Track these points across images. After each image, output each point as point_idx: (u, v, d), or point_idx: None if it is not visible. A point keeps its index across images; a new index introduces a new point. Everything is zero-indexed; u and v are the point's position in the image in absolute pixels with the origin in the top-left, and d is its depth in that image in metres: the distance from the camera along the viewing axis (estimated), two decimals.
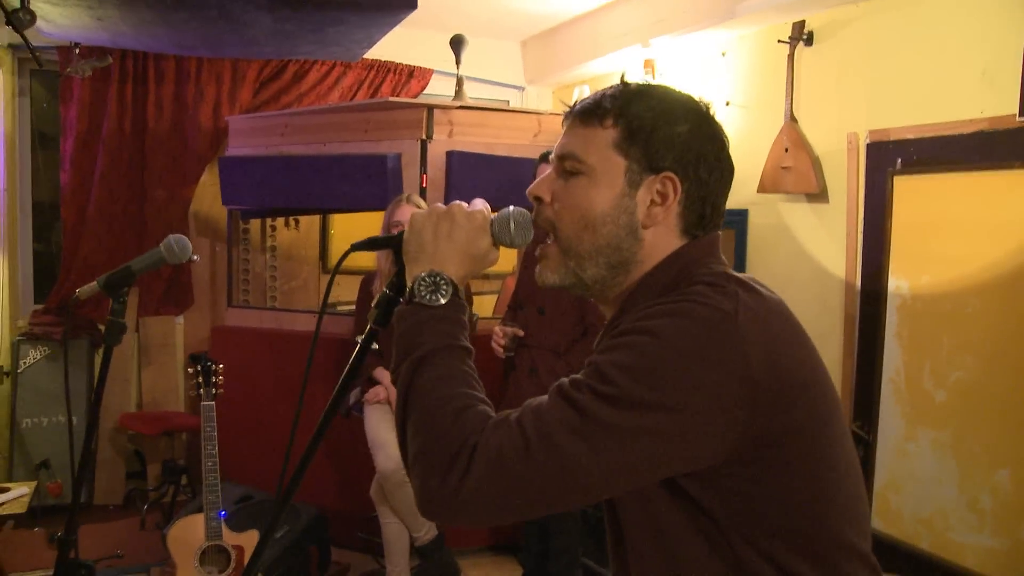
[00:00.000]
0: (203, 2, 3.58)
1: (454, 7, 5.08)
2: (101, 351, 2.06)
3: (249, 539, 3.19)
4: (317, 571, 3.80)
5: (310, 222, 5.66)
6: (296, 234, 5.62)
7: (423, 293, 1.16)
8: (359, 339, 1.28)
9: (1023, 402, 2.91)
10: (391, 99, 4.82)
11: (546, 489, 1.02)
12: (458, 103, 4.50)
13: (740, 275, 1.15)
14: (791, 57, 3.85)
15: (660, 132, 1.16)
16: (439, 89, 5.61)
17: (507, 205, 1.24)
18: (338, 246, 5.74)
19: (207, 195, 5.30)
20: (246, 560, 3.11)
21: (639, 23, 4.62)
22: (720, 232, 1.23)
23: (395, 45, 5.20)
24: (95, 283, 2.02)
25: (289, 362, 4.45)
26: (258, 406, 4.51)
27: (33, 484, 3.47)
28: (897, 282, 3.38)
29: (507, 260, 4.52)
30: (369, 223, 4.36)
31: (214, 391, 3.23)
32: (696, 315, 1.05)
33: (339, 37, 4.25)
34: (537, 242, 1.26)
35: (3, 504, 3.21)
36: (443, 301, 1.16)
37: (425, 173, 4.26)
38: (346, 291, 4.38)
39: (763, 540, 1.08)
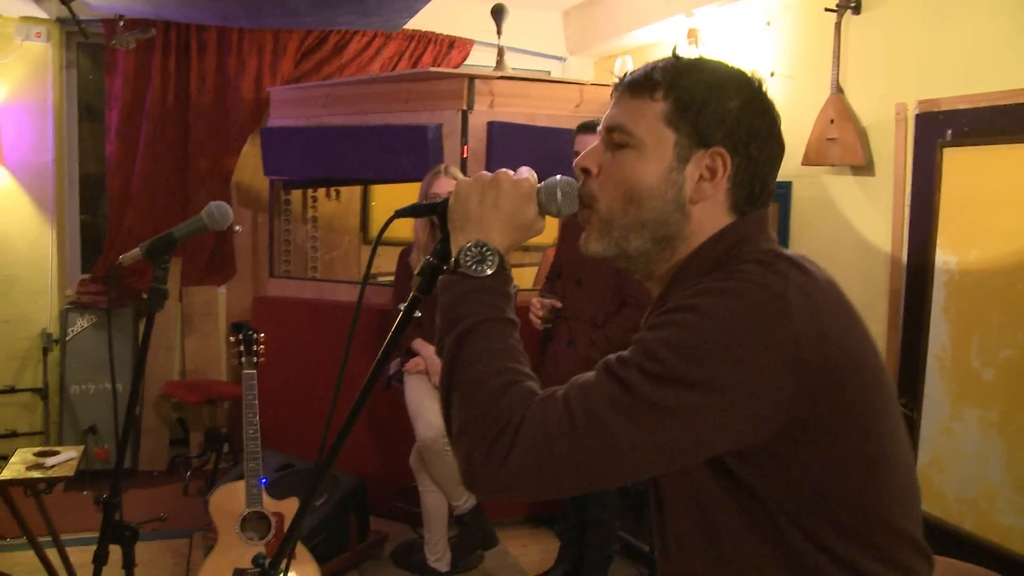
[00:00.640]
0: None
1: None
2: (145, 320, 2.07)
3: (289, 506, 3.23)
4: (356, 539, 3.84)
5: (351, 193, 5.67)
6: (337, 204, 5.64)
7: (469, 263, 1.15)
8: (401, 307, 1.27)
9: None
10: (432, 69, 4.80)
11: (590, 467, 1.01)
12: (499, 73, 4.46)
13: (790, 253, 1.12)
14: (838, 25, 3.76)
15: (711, 106, 1.14)
16: (480, 60, 5.57)
17: (548, 176, 1.22)
18: (379, 217, 5.75)
19: (249, 166, 5.33)
20: (286, 527, 3.15)
21: None
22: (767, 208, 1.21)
23: (436, 15, 5.17)
24: (138, 249, 2.03)
25: (330, 332, 4.48)
26: (299, 375, 4.55)
27: (81, 448, 3.54)
28: (945, 257, 3.30)
29: (548, 232, 4.48)
30: (410, 193, 4.36)
31: (256, 360, 3.26)
32: (746, 294, 1.03)
33: (379, 6, 4.24)
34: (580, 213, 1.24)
35: (53, 467, 3.29)
36: (489, 272, 1.15)
37: (466, 144, 4.25)
38: (385, 262, 4.40)
39: (810, 523, 1.06)
